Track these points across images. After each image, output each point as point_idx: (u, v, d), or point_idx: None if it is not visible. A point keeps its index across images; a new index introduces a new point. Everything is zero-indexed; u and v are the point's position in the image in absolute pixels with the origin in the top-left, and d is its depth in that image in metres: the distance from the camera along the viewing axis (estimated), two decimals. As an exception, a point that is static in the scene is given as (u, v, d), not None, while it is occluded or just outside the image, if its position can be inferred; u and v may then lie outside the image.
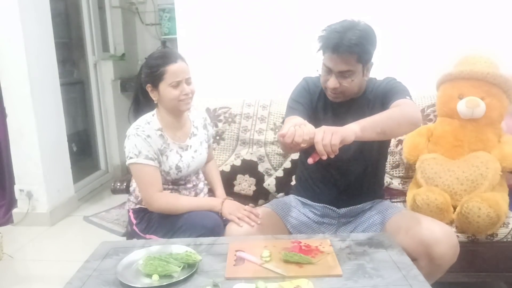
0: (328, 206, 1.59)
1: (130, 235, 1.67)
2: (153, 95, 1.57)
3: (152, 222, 1.58)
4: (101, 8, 3.92)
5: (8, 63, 2.74)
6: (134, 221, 1.63)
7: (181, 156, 1.60)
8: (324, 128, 1.16)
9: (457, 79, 1.85)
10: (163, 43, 4.31)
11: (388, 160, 1.96)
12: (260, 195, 2.01)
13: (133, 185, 1.67)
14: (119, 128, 3.97)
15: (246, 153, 2.08)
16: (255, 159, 2.05)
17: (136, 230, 1.61)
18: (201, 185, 1.74)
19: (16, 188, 2.93)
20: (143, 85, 1.59)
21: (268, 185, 1.99)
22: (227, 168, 2.02)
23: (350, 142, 1.18)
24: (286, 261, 1.17)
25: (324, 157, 1.14)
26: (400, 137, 2.01)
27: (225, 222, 1.52)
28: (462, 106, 1.79)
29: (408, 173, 2.00)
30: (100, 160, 4.01)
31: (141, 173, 1.53)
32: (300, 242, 1.28)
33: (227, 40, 2.35)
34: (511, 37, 2.16)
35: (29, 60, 2.74)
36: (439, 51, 2.20)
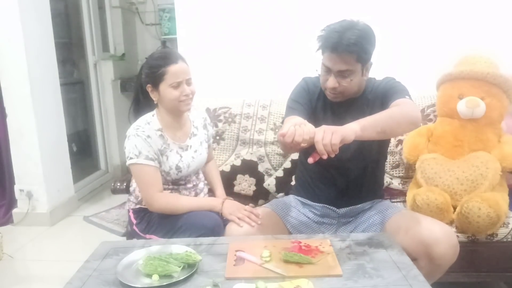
0: (327, 206, 1.59)
1: (130, 235, 1.67)
2: (153, 96, 1.57)
3: (152, 222, 1.58)
4: (101, 8, 3.92)
5: (8, 63, 2.74)
6: (134, 221, 1.63)
7: (181, 156, 1.60)
8: (324, 127, 1.16)
9: (457, 79, 1.85)
10: (163, 43, 4.31)
11: (388, 160, 1.96)
12: (260, 195, 2.01)
13: (133, 185, 1.67)
14: (119, 128, 3.97)
15: (246, 153, 2.08)
16: (255, 159, 2.05)
17: (136, 230, 1.61)
18: (201, 185, 1.74)
19: (16, 188, 2.93)
20: (143, 85, 1.58)
21: (268, 185, 1.99)
22: (227, 168, 2.02)
23: (350, 141, 1.18)
24: (286, 261, 1.17)
25: (325, 157, 1.14)
26: (400, 137, 2.01)
27: (225, 222, 1.52)
28: (462, 106, 1.79)
29: (408, 173, 2.00)
30: (100, 160, 4.01)
31: (142, 173, 1.53)
32: (300, 242, 1.28)
33: (227, 40, 2.36)
34: (511, 37, 2.16)
35: (29, 60, 2.74)
36: (439, 51, 2.20)
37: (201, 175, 1.77)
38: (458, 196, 1.70)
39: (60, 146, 3.11)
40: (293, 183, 1.86)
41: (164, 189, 1.58)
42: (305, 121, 1.24)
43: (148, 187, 1.53)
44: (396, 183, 1.99)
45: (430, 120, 2.03)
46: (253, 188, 2.01)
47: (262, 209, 1.59)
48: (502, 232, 1.64)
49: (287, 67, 2.28)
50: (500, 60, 1.89)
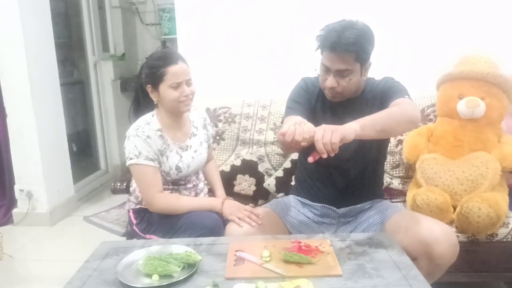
0: (327, 206, 1.59)
1: (130, 235, 1.67)
2: (153, 96, 1.57)
3: (152, 222, 1.58)
4: (101, 8, 3.92)
5: (8, 63, 2.74)
6: (134, 221, 1.63)
7: (181, 157, 1.60)
8: (324, 126, 1.16)
9: (457, 79, 1.85)
10: (163, 43, 4.31)
11: (388, 160, 1.97)
12: (260, 195, 2.01)
13: (133, 185, 1.67)
14: (119, 128, 3.97)
15: (246, 153, 2.08)
16: (255, 159, 2.05)
17: (136, 230, 1.61)
18: (201, 185, 1.74)
19: (16, 188, 2.93)
20: (143, 86, 1.58)
21: (268, 185, 1.99)
22: (227, 168, 2.02)
23: (350, 140, 1.18)
24: (286, 261, 1.17)
25: (324, 156, 1.14)
26: (400, 137, 2.01)
27: (225, 222, 1.52)
28: (462, 106, 1.79)
29: (408, 173, 2.00)
30: (100, 160, 4.01)
31: (142, 173, 1.52)
32: (300, 242, 1.28)
33: (227, 40, 2.36)
34: (511, 37, 2.16)
35: (29, 60, 2.74)
36: (439, 51, 2.20)
37: (201, 175, 1.77)
38: (458, 196, 1.70)
39: (60, 146, 3.11)
40: (293, 183, 1.86)
41: (164, 189, 1.58)
42: (305, 120, 1.24)
43: (148, 187, 1.53)
44: (396, 183, 1.99)
45: (430, 120, 2.03)
46: (253, 188, 2.01)
47: (262, 209, 1.59)
48: (502, 232, 1.64)
49: (287, 67, 2.28)
50: (500, 60, 1.89)
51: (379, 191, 1.68)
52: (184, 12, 2.37)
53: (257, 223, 1.46)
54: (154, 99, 1.57)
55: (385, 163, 1.78)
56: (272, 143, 2.08)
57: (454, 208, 1.67)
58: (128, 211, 1.68)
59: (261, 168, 2.04)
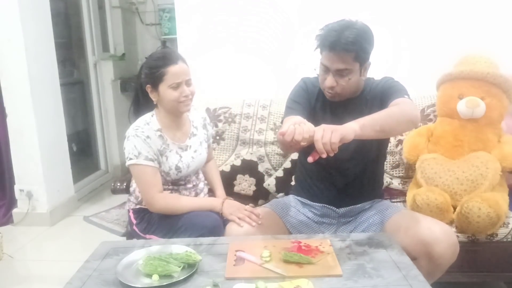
0: (327, 206, 1.59)
1: (130, 235, 1.67)
2: (152, 96, 1.57)
3: (152, 222, 1.58)
4: (101, 8, 3.92)
5: (8, 63, 2.74)
6: (134, 221, 1.63)
7: (180, 157, 1.60)
8: (323, 126, 1.16)
9: (457, 79, 1.85)
10: (163, 43, 4.31)
11: (388, 160, 1.97)
12: (260, 195, 2.01)
13: (133, 185, 1.67)
14: (119, 128, 3.97)
15: (246, 153, 2.08)
16: (255, 159, 2.05)
17: (136, 230, 1.61)
18: (201, 185, 1.74)
19: (16, 188, 2.93)
20: (142, 86, 1.58)
21: (268, 185, 1.99)
22: (227, 168, 2.02)
23: (350, 140, 1.18)
24: (286, 261, 1.17)
25: (324, 156, 1.14)
26: (400, 137, 2.01)
27: (225, 222, 1.52)
28: (462, 106, 1.79)
29: (408, 173, 2.00)
30: (100, 160, 4.01)
31: (141, 174, 1.52)
32: (300, 242, 1.28)
33: (227, 40, 2.36)
34: (511, 37, 2.16)
35: (29, 60, 2.74)
36: (439, 51, 2.20)
37: (201, 175, 1.77)
38: (458, 196, 1.70)
39: (60, 146, 3.11)
40: (293, 183, 1.86)
41: (164, 189, 1.58)
42: (305, 120, 1.24)
43: (148, 187, 1.52)
44: (396, 183, 1.99)
45: (430, 120, 2.03)
46: (253, 188, 2.01)
47: (262, 209, 1.59)
48: (502, 232, 1.64)
49: (287, 67, 2.28)
50: (500, 60, 1.89)
51: (379, 191, 1.68)
52: (184, 12, 2.37)
53: (257, 223, 1.46)
54: (153, 99, 1.57)
55: (385, 163, 1.78)
56: (272, 143, 2.08)
57: (454, 208, 1.67)
58: (128, 211, 1.68)
59: (261, 168, 2.04)
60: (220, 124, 2.14)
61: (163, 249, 1.25)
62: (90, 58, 3.79)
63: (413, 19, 2.22)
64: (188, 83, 1.55)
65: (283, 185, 1.98)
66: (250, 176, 2.01)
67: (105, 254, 1.28)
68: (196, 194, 1.69)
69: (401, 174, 2.03)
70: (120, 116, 3.97)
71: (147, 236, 1.58)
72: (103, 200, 3.45)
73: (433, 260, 1.32)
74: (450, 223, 1.65)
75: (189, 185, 1.67)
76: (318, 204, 1.61)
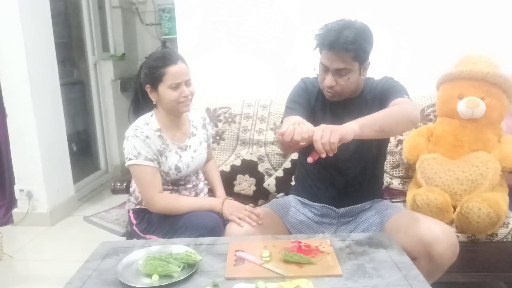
0: (327, 205, 1.59)
1: (130, 235, 1.67)
2: (152, 96, 1.56)
3: (152, 222, 1.58)
4: (101, 8, 3.92)
5: (8, 63, 2.74)
6: (134, 222, 1.63)
7: (180, 157, 1.60)
8: (323, 126, 1.16)
9: (457, 79, 1.85)
10: (163, 43, 4.31)
11: (388, 160, 1.97)
12: (260, 195, 2.01)
13: (133, 185, 1.67)
14: (119, 128, 3.97)
15: (246, 153, 2.08)
16: (255, 159, 2.05)
17: (136, 230, 1.61)
18: (201, 185, 1.74)
19: (16, 188, 2.93)
20: (142, 86, 1.58)
21: (268, 185, 1.99)
22: (227, 168, 2.02)
23: (349, 140, 1.18)
24: (286, 261, 1.17)
25: (324, 155, 1.15)
26: (400, 137, 2.01)
27: (225, 222, 1.52)
28: (462, 106, 1.79)
29: (408, 173, 2.00)
30: (100, 160, 4.01)
31: (141, 174, 1.52)
32: (300, 242, 1.28)
33: (227, 40, 2.36)
34: (511, 37, 2.16)
35: (29, 60, 2.74)
36: (439, 51, 2.20)
37: (200, 175, 1.77)
38: (458, 196, 1.70)
39: (60, 146, 3.11)
40: (293, 183, 1.86)
41: (164, 189, 1.58)
42: (304, 120, 1.24)
43: (148, 188, 1.52)
44: (396, 183, 1.99)
45: (430, 120, 2.03)
46: (253, 188, 2.01)
47: (262, 209, 1.59)
48: (502, 232, 1.64)
49: (287, 67, 2.28)
50: (500, 60, 1.89)
51: (379, 191, 1.68)
52: (184, 12, 2.37)
53: (257, 223, 1.46)
54: (153, 99, 1.57)
55: (385, 163, 1.78)
56: (272, 143, 2.08)
57: (454, 208, 1.67)
58: (128, 211, 1.68)
59: (261, 168, 2.04)
60: (220, 124, 2.14)
61: (163, 249, 1.25)
62: (90, 58, 3.79)
63: (413, 19, 2.22)
64: (187, 83, 1.54)
65: (283, 185, 1.98)
66: (250, 176, 2.01)
67: (105, 254, 1.28)
68: (196, 194, 1.69)
69: (401, 174, 2.03)
70: (120, 116, 3.97)
71: (147, 236, 1.58)
72: (103, 200, 3.45)
73: (433, 260, 1.32)
74: (450, 223, 1.65)
75: (189, 185, 1.67)
76: (318, 204, 1.61)
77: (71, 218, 3.08)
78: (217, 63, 2.37)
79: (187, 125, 1.68)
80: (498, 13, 2.16)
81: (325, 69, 1.42)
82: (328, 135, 1.13)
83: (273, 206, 1.64)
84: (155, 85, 1.53)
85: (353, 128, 1.19)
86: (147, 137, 1.52)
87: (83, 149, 3.91)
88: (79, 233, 2.83)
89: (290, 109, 1.50)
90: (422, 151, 1.87)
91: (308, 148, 1.21)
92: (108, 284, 1.12)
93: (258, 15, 2.32)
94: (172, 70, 1.50)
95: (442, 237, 1.32)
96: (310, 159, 1.17)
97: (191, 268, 1.14)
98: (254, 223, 1.45)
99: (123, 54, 4.11)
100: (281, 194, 1.97)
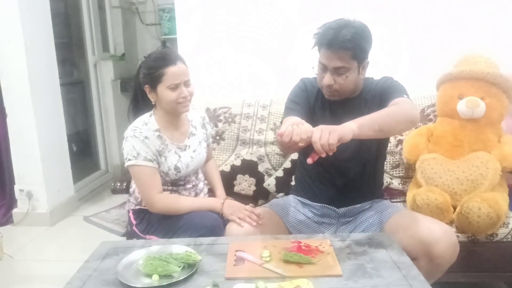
0: (327, 205, 1.59)
1: (130, 235, 1.66)
2: (151, 96, 1.56)
3: (152, 222, 1.58)
4: (101, 8, 3.92)
5: (8, 63, 2.74)
6: (134, 222, 1.63)
7: (179, 157, 1.60)
8: (321, 127, 1.16)
9: (457, 79, 1.85)
10: (163, 43, 4.32)
11: (388, 160, 1.97)
12: (260, 195, 2.01)
13: (133, 186, 1.67)
14: (119, 128, 3.97)
15: (246, 153, 2.08)
16: (255, 159, 2.05)
17: (136, 230, 1.61)
18: (201, 185, 1.73)
19: (16, 188, 2.93)
20: (141, 86, 1.58)
21: (268, 185, 1.99)
22: (227, 168, 2.02)
23: (348, 140, 1.18)
24: (286, 261, 1.17)
25: (323, 155, 1.15)
26: (400, 137, 2.01)
27: (225, 222, 1.52)
28: (462, 106, 1.79)
29: (408, 173, 2.00)
30: (100, 160, 4.01)
31: (141, 174, 1.52)
32: (300, 242, 1.28)
33: (227, 40, 2.35)
34: (511, 37, 2.16)
35: (29, 60, 2.74)
36: (439, 51, 2.20)
37: (200, 175, 1.77)
38: (458, 196, 1.70)
39: (60, 146, 3.11)
40: (293, 183, 1.86)
41: (164, 190, 1.58)
42: (303, 121, 1.24)
43: (147, 188, 1.52)
44: (396, 183, 1.99)
45: (430, 120, 2.03)
46: (253, 188, 2.00)
47: (262, 209, 1.59)
48: (502, 232, 1.64)
49: (287, 67, 2.28)
50: (500, 60, 1.89)
51: (379, 191, 1.68)
52: (184, 12, 2.37)
53: (257, 223, 1.46)
54: (152, 100, 1.56)
55: (385, 163, 1.78)
56: (272, 143, 2.08)
57: (454, 208, 1.67)
58: (128, 211, 1.68)
59: (261, 168, 2.04)
60: (220, 124, 2.14)
61: (163, 249, 1.25)
62: (90, 58, 3.79)
63: (413, 19, 2.22)
64: (186, 83, 1.54)
65: (283, 185, 1.98)
66: (250, 176, 2.01)
67: (105, 254, 1.28)
68: (196, 194, 1.69)
69: (401, 174, 2.03)
70: (120, 116, 3.97)
71: (147, 236, 1.57)
72: (103, 200, 3.45)
73: (433, 260, 1.31)
74: (450, 223, 1.65)
75: (189, 185, 1.66)
76: (318, 204, 1.61)
77: (71, 218, 3.08)
78: (217, 63, 2.37)
79: (186, 125, 1.68)
80: (498, 13, 2.16)
81: (324, 68, 1.42)
82: (327, 136, 1.13)
83: (273, 206, 1.64)
84: (154, 86, 1.52)
85: (351, 128, 1.19)
86: (146, 137, 1.51)
87: (83, 149, 3.91)
88: (79, 233, 2.83)
89: (290, 110, 1.50)
90: (422, 151, 1.87)
91: (307, 148, 1.21)
92: (108, 284, 1.12)
93: (258, 15, 2.31)
94: (171, 71, 1.49)
95: (442, 237, 1.31)
96: (310, 160, 1.17)
97: (191, 268, 1.14)
98: (254, 223, 1.45)
99: (123, 54, 4.11)
100: (281, 194, 1.97)
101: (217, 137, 2.13)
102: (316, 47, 1.43)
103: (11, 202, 2.98)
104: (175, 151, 1.59)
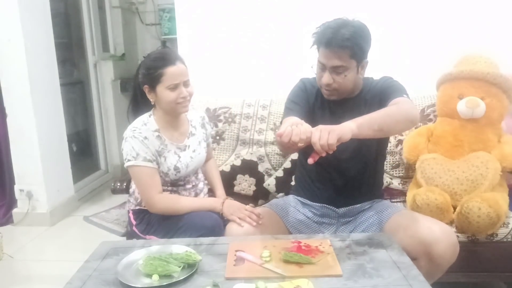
0: (327, 205, 1.59)
1: (130, 235, 1.66)
2: (150, 97, 1.56)
3: (152, 223, 1.58)
4: (101, 8, 3.92)
5: (8, 63, 2.74)
6: (134, 222, 1.63)
7: (179, 157, 1.60)
8: (320, 127, 1.16)
9: (457, 79, 1.85)
10: (163, 43, 4.32)
11: (388, 160, 1.97)
12: (260, 195, 2.01)
13: (133, 186, 1.67)
14: (119, 128, 3.97)
15: (246, 153, 2.08)
16: (255, 159, 2.05)
17: (136, 231, 1.61)
18: (200, 185, 1.73)
19: (16, 188, 2.93)
20: (140, 86, 1.58)
21: (268, 185, 1.99)
22: (227, 168, 2.02)
23: (347, 140, 1.18)
24: (286, 261, 1.17)
25: (324, 154, 1.15)
26: (400, 137, 2.01)
27: (225, 222, 1.52)
28: (462, 106, 1.79)
29: (408, 173, 2.00)
30: (100, 160, 4.01)
31: (140, 175, 1.52)
32: (300, 242, 1.28)
33: (227, 40, 2.35)
34: (511, 37, 2.16)
35: (29, 60, 2.74)
36: (439, 51, 2.20)
37: (200, 175, 1.76)
38: (458, 196, 1.70)
39: (60, 146, 3.11)
40: (293, 183, 1.86)
41: (163, 190, 1.58)
42: (302, 121, 1.24)
43: (147, 189, 1.52)
44: (396, 183, 1.99)
45: (430, 120, 2.03)
46: (253, 188, 2.00)
47: (262, 209, 1.59)
48: (502, 232, 1.64)
49: (287, 67, 2.28)
50: (500, 60, 1.89)
51: (378, 191, 1.68)
52: (184, 12, 2.37)
53: (257, 223, 1.46)
54: (151, 100, 1.56)
55: (385, 163, 1.78)
56: (272, 143, 2.08)
57: (454, 208, 1.67)
58: (128, 211, 1.68)
59: (261, 168, 2.04)
60: (220, 124, 2.14)
61: (163, 249, 1.25)
62: (90, 58, 3.79)
63: (413, 19, 2.22)
64: (186, 84, 1.53)
65: (283, 185, 1.98)
66: (250, 176, 2.01)
67: (105, 254, 1.28)
68: (196, 195, 1.69)
69: (401, 174, 2.03)
70: (120, 116, 3.97)
71: (147, 237, 1.57)
72: (103, 200, 3.45)
73: (433, 260, 1.31)
74: (450, 223, 1.65)
75: (188, 186, 1.66)
76: (318, 204, 1.61)
77: (71, 218, 3.08)
78: (217, 63, 2.37)
79: (186, 125, 1.68)
80: (498, 13, 2.16)
81: (323, 67, 1.43)
82: (326, 136, 1.13)
83: (273, 206, 1.64)
84: (153, 86, 1.52)
85: (351, 128, 1.19)
86: (145, 137, 1.51)
87: (83, 149, 3.91)
88: (79, 233, 2.84)
89: (289, 110, 1.50)
90: (422, 151, 1.87)
91: (307, 148, 1.21)
92: (108, 284, 1.12)
93: (258, 15, 2.31)
94: (170, 71, 1.49)
95: (442, 237, 1.31)
96: (310, 160, 1.17)
97: (191, 268, 1.14)
98: (254, 223, 1.45)
99: (123, 54, 4.11)
100: (281, 194, 1.97)
101: (217, 137, 2.13)
102: (315, 46, 1.43)
103: (11, 202, 2.98)
104: (174, 151, 1.59)
